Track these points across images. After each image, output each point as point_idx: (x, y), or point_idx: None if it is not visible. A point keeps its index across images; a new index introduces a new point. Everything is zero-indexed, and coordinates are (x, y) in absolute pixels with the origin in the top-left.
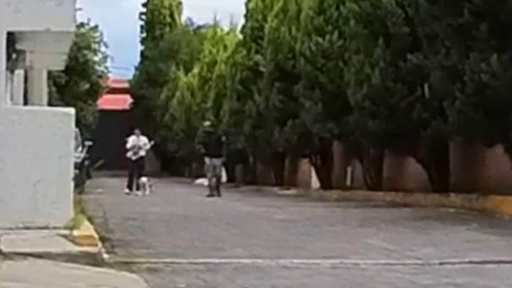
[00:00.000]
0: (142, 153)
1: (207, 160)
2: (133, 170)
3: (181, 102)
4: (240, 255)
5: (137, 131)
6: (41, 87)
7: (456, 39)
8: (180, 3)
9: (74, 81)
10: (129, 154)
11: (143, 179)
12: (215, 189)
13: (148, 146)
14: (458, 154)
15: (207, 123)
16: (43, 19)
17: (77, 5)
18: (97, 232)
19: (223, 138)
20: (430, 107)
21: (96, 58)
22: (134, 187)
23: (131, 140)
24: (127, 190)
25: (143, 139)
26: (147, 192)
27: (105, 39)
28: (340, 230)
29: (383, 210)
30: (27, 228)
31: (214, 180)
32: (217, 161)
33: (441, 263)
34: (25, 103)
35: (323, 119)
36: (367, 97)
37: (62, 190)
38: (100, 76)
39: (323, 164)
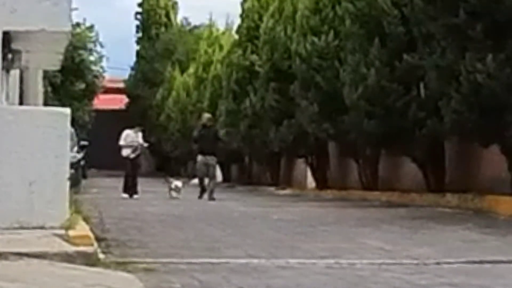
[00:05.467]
0: (139, 151)
1: (199, 157)
2: (130, 171)
3: (177, 102)
4: (235, 255)
5: (137, 127)
6: (37, 87)
7: (451, 39)
8: (175, 3)
9: (70, 81)
10: (126, 152)
11: (178, 183)
12: (206, 190)
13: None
14: (453, 154)
15: (206, 115)
16: (39, 19)
17: (73, 5)
18: (93, 232)
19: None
20: (426, 107)
21: (91, 58)
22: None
23: (127, 135)
24: (124, 195)
25: (140, 136)
26: (180, 195)
27: (100, 39)
28: (335, 230)
29: (379, 210)
30: (22, 228)
31: (206, 180)
32: (211, 159)
33: (437, 263)
34: (21, 103)
35: (318, 119)
36: (362, 97)
37: (58, 190)
38: (95, 76)
39: (318, 164)
